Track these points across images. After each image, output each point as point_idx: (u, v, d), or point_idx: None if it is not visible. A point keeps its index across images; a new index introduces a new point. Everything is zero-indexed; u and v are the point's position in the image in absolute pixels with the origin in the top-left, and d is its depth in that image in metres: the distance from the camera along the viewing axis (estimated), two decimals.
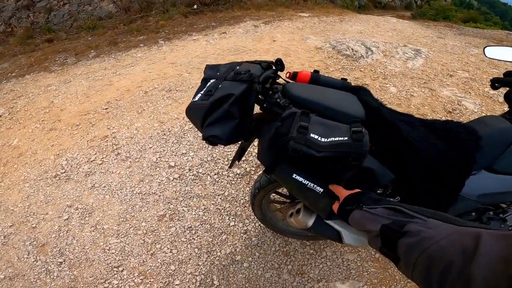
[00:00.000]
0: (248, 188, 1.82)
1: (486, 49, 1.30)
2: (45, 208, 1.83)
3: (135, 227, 1.66)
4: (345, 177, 0.73)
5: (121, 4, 7.44)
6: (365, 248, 1.49)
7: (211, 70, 0.95)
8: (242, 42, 4.02)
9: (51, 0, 7.21)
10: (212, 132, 0.79)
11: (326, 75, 3.01)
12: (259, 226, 1.62)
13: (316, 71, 1.04)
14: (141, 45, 4.48)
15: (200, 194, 1.81)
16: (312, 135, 0.71)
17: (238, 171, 1.93)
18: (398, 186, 0.88)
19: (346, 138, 0.69)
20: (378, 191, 0.92)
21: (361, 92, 0.98)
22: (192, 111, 0.84)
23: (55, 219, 1.75)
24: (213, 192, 1.82)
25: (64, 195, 1.90)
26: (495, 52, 1.27)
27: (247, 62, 0.98)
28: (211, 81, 0.89)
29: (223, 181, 1.88)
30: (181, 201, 1.77)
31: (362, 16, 8.10)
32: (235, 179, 1.89)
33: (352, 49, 3.62)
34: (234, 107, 0.80)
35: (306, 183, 0.74)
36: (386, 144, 0.83)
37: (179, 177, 1.92)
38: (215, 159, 2.04)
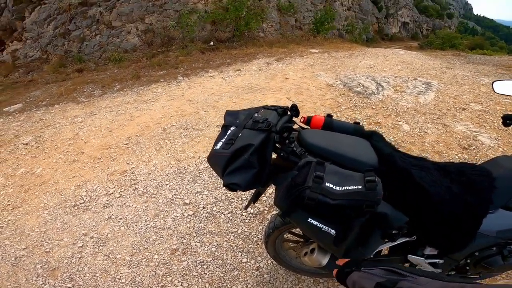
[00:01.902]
0: (261, 227, 1.85)
1: (494, 84, 1.32)
2: (61, 234, 1.92)
3: (148, 258, 1.71)
4: (359, 222, 0.76)
5: (145, 38, 8.10)
6: None
7: (231, 117, 1.04)
8: (256, 79, 4.26)
9: (85, 30, 7.93)
10: (233, 180, 0.85)
11: (338, 115, 3.09)
12: (271, 264, 1.62)
13: (329, 116, 1.11)
14: (161, 80, 4.81)
15: (213, 231, 1.85)
16: (327, 184, 0.76)
17: (252, 211, 1.96)
18: (413, 227, 0.90)
19: (360, 187, 0.75)
20: (394, 232, 0.94)
21: (373, 138, 1.04)
22: (214, 159, 0.92)
23: (69, 246, 1.83)
24: (226, 230, 1.85)
25: (80, 223, 1.99)
26: (504, 87, 1.29)
27: (264, 108, 1.06)
28: (231, 128, 0.97)
29: (237, 220, 1.92)
30: (195, 236, 1.82)
31: (370, 49, 8.41)
32: (248, 217, 1.93)
33: (363, 85, 3.75)
34: (254, 156, 0.86)
35: (321, 227, 0.78)
36: (400, 190, 0.86)
37: (193, 214, 1.98)
38: (229, 198, 2.09)
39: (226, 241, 1.78)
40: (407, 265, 1.16)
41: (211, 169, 2.30)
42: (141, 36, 8.13)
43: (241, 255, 1.69)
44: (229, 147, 0.89)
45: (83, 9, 7.96)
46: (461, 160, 2.43)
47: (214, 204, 2.04)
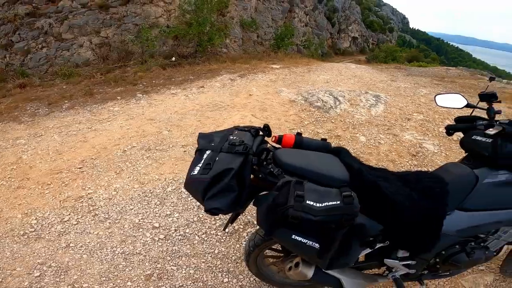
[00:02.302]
0: (238, 245, 1.83)
1: (436, 98, 1.47)
2: (12, 264, 1.73)
3: (120, 286, 1.58)
4: (340, 234, 0.83)
5: (100, 52, 7.57)
6: None
7: (205, 140, 1.03)
8: (220, 96, 4.27)
9: (30, 42, 7.20)
10: (214, 205, 0.86)
11: (302, 130, 3.21)
12: (254, 280, 1.60)
13: (299, 134, 1.16)
14: (118, 97, 4.53)
15: (189, 253, 1.78)
16: (308, 201, 0.81)
17: (227, 230, 1.93)
18: (385, 233, 0.98)
19: (338, 202, 0.81)
20: (371, 239, 1.00)
21: (342, 154, 1.11)
22: (192, 185, 0.91)
23: (25, 275, 1.65)
24: (202, 251, 1.80)
25: (34, 252, 1.80)
26: (444, 100, 1.43)
27: (237, 129, 1.09)
28: (207, 152, 0.97)
29: (212, 240, 1.88)
30: (169, 260, 1.73)
31: (326, 64, 9.04)
32: (224, 237, 1.89)
33: (322, 100, 3.99)
34: (233, 180, 0.88)
35: (305, 242, 0.83)
36: (371, 201, 0.94)
37: (164, 237, 1.89)
38: (202, 219, 2.03)
39: (203, 262, 1.72)
40: (383, 268, 1.24)
41: (180, 191, 2.25)
42: (95, 50, 7.65)
43: (221, 275, 1.65)
44: (207, 172, 0.89)
45: (30, 20, 7.27)
46: (411, 167, 2.70)
47: (186, 226, 1.97)
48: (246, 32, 11.01)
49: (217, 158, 0.94)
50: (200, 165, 0.93)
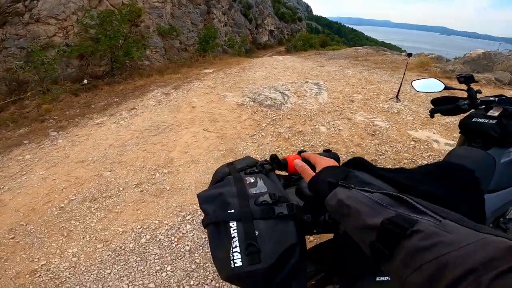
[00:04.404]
0: None
1: (413, 84, 1.48)
2: None
3: None
4: None
5: None
6: None
7: (214, 205, 0.72)
8: (159, 116, 3.72)
9: None
10: None
11: (263, 134, 3.00)
12: None
13: (302, 151, 1.00)
14: (25, 141, 3.53)
15: None
16: None
17: None
18: None
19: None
20: None
21: (363, 165, 0.97)
22: (244, 280, 0.61)
23: None
24: None
25: None
26: (421, 86, 1.45)
27: (241, 172, 0.82)
28: (232, 225, 0.67)
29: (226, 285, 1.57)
30: None
31: (255, 60, 9.08)
32: None
33: (270, 97, 3.87)
34: (300, 256, 0.64)
35: (387, 278, 0.71)
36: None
37: None
38: (201, 264, 1.66)
39: None
40: None
41: (158, 238, 1.78)
42: None
43: None
44: (258, 257, 0.61)
45: None
46: (375, 146, 2.79)
47: (188, 278, 1.60)
48: (166, 40, 10.22)
49: (257, 233, 0.65)
50: (236, 249, 0.63)
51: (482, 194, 0.94)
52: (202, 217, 1.85)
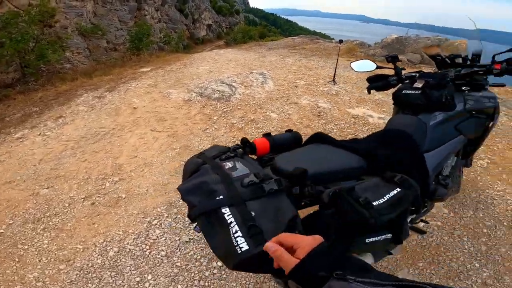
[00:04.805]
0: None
1: (352, 65, 1.67)
2: None
3: None
4: (407, 215, 0.80)
5: None
6: None
7: (199, 195, 0.69)
8: (95, 122, 3.32)
9: None
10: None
11: (215, 127, 2.95)
12: None
13: (268, 134, 1.06)
14: None
15: None
16: (375, 203, 0.72)
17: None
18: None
19: (398, 190, 0.77)
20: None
21: (326, 140, 1.08)
22: (253, 263, 0.58)
23: None
24: None
25: None
26: (358, 66, 1.65)
27: (216, 159, 0.82)
28: (225, 211, 0.64)
29: (232, 275, 1.45)
30: None
31: (196, 55, 8.77)
32: (225, 274, 1.50)
33: (218, 90, 3.80)
34: (300, 226, 0.67)
35: (380, 238, 0.76)
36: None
37: None
38: (183, 267, 1.54)
39: None
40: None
41: (127, 250, 1.61)
42: None
43: None
44: (260, 237, 0.58)
45: None
46: (322, 125, 3.00)
47: (173, 282, 1.50)
48: (90, 40, 9.09)
49: (253, 213, 0.63)
50: (238, 233, 0.60)
51: (422, 155, 1.09)
52: (171, 219, 1.76)
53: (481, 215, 1.90)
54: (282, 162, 0.87)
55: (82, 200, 2.04)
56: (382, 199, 0.75)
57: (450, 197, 1.81)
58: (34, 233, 1.84)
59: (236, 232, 0.60)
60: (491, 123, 1.53)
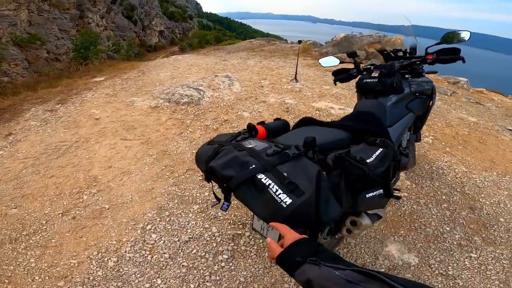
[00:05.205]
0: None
1: (320, 61, 1.92)
2: None
3: None
4: (391, 170, 0.97)
5: None
6: None
7: (232, 167, 0.79)
8: (53, 136, 3.04)
9: None
10: (333, 214, 0.73)
11: (190, 130, 2.97)
12: None
13: (262, 122, 1.21)
14: None
15: None
16: (368, 160, 0.89)
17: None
18: None
19: (381, 149, 0.96)
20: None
21: (313, 122, 1.27)
22: (300, 215, 0.67)
23: None
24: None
25: None
26: (326, 62, 1.90)
27: (234, 141, 0.93)
28: (260, 176, 0.73)
29: (231, 271, 1.46)
30: None
31: (153, 63, 8.47)
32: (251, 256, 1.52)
33: (186, 95, 3.77)
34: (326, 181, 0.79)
35: (376, 193, 0.92)
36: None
37: None
38: (190, 265, 1.51)
39: None
40: None
41: (128, 257, 1.57)
42: None
43: None
44: (299, 190, 0.69)
45: None
46: (293, 120, 3.19)
47: (184, 282, 1.47)
48: (28, 50, 8.17)
49: (285, 174, 0.72)
50: (278, 191, 0.69)
51: (387, 129, 1.32)
52: (165, 222, 1.82)
53: (437, 184, 2.24)
54: (285, 140, 1.00)
55: (60, 215, 1.88)
56: (371, 157, 0.92)
57: (410, 169, 2.12)
58: (15, 253, 1.67)
59: (277, 190, 0.69)
60: (431, 102, 1.88)
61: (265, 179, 0.72)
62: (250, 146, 0.86)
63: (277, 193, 0.69)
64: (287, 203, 0.67)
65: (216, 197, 1.05)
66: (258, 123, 1.17)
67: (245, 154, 0.81)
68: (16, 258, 1.64)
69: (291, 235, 0.58)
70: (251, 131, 1.08)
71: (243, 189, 0.75)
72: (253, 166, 0.76)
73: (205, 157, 0.90)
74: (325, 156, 0.89)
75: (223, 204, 0.88)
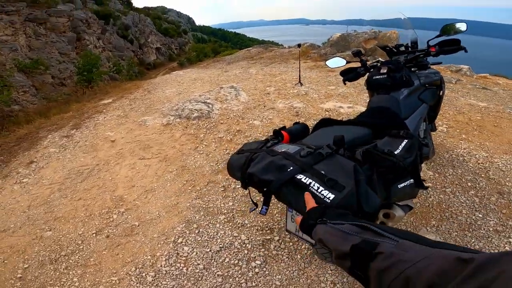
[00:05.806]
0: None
1: (327, 63, 1.97)
2: None
3: None
4: (417, 160, 1.00)
5: None
6: None
7: (271, 172, 0.85)
8: (74, 161, 3.14)
9: None
10: (377, 202, 0.78)
11: (205, 144, 3.04)
12: None
13: (283, 127, 1.28)
14: None
15: None
16: (396, 152, 0.93)
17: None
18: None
19: (406, 141, 1.00)
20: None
21: (332, 122, 1.33)
22: (345, 207, 0.72)
23: None
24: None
25: None
26: (333, 63, 1.95)
27: (264, 147, 1.00)
28: (299, 177, 0.78)
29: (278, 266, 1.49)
30: None
31: (156, 80, 8.65)
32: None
33: (195, 109, 3.86)
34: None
35: (407, 183, 0.94)
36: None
37: None
38: (225, 274, 1.54)
39: None
40: None
41: (164, 271, 1.64)
42: None
43: None
44: (339, 186, 0.74)
45: None
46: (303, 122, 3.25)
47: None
48: (33, 76, 8.42)
49: (322, 171, 0.77)
50: (320, 189, 0.74)
51: (404, 121, 1.37)
52: (194, 234, 1.90)
53: (460, 171, 2.25)
54: (312, 142, 1.05)
55: (94, 235, 1.95)
56: (398, 149, 0.95)
57: (430, 159, 2.14)
58: (58, 273, 1.73)
59: (318, 188, 0.74)
60: (441, 91, 1.92)
61: (305, 179, 0.77)
62: (283, 150, 0.92)
63: (319, 190, 0.74)
64: (330, 198, 0.72)
65: (253, 202, 1.10)
66: (280, 128, 1.23)
67: (280, 158, 0.87)
68: (59, 278, 1.70)
69: (308, 204, 0.70)
70: (277, 136, 1.14)
71: (284, 191, 0.79)
72: (291, 168, 0.81)
73: (238, 166, 0.95)
74: (353, 152, 0.93)
75: (262, 208, 0.91)
